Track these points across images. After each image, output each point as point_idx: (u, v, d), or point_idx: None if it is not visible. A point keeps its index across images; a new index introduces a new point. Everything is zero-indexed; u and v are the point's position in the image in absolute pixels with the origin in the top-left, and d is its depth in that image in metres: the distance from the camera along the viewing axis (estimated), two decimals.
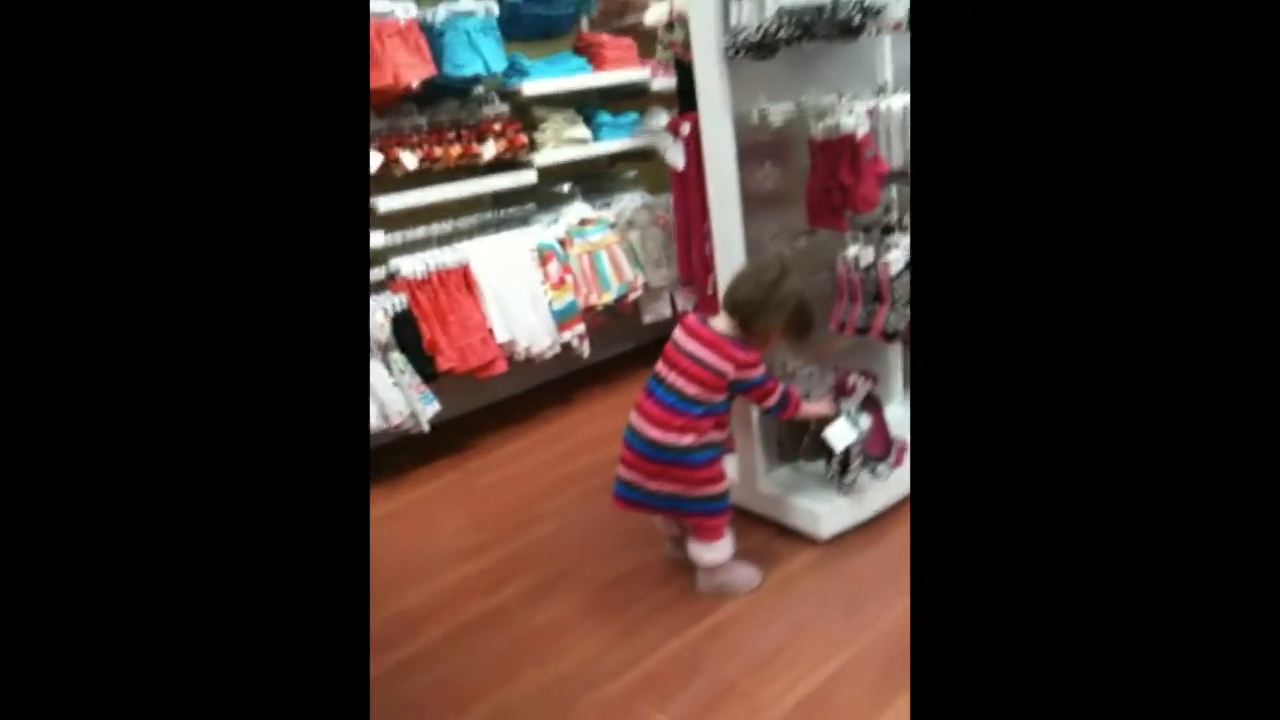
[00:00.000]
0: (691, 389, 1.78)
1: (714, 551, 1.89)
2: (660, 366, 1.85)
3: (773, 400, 1.84)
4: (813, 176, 1.88)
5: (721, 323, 1.81)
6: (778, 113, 1.84)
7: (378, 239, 2.71)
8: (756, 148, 1.94)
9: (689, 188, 2.05)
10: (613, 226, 3.10)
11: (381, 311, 2.67)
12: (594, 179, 3.28)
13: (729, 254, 1.93)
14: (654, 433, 1.80)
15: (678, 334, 1.85)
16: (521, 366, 3.02)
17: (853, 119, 1.74)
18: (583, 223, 3.05)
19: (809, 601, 1.86)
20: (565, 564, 2.17)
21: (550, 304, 2.94)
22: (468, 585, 2.15)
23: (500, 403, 3.28)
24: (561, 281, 2.95)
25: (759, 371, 1.80)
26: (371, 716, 0.92)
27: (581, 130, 3.07)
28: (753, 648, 1.74)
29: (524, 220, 3.05)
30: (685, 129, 2.00)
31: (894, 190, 2.18)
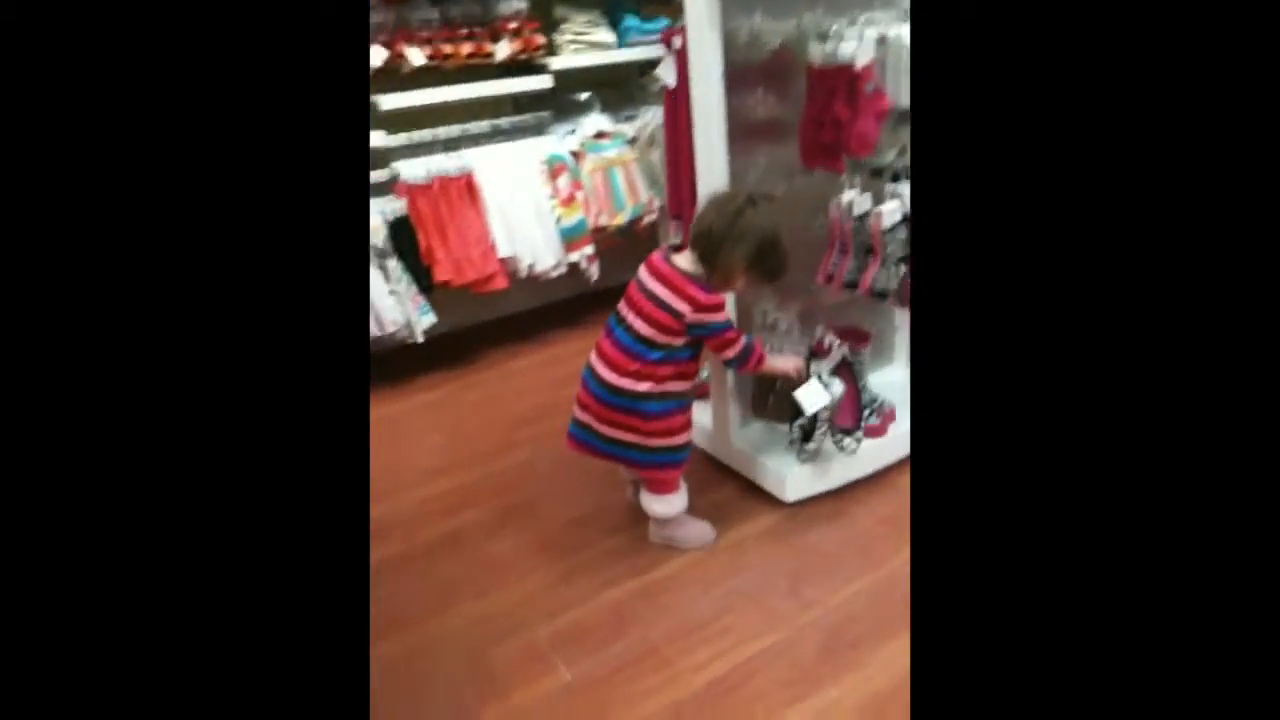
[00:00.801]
0: (646, 330, 1.64)
1: (664, 505, 1.80)
2: (621, 305, 1.72)
3: (732, 352, 1.69)
4: (807, 108, 1.67)
5: (685, 260, 1.65)
6: (773, 32, 1.62)
7: (379, 139, 2.60)
8: (752, 70, 1.73)
9: (681, 109, 1.86)
10: (632, 142, 2.90)
11: (379, 216, 2.59)
12: (618, 88, 3.07)
13: (711, 186, 1.75)
14: (608, 375, 1.69)
15: (642, 270, 1.71)
16: (530, 284, 2.92)
17: (851, 46, 1.52)
18: (599, 135, 2.87)
19: (757, 569, 1.76)
20: (529, 495, 2.12)
21: (558, 221, 2.80)
22: (431, 505, 2.13)
23: (506, 319, 3.20)
24: (571, 198, 2.80)
25: (720, 317, 1.65)
26: None
27: (605, 34, 2.84)
28: (687, 611, 1.66)
29: (538, 129, 2.88)
30: (678, 42, 1.80)
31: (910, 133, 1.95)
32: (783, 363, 1.78)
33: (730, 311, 1.80)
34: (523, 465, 2.27)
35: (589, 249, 2.87)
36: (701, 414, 2.06)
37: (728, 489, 2.02)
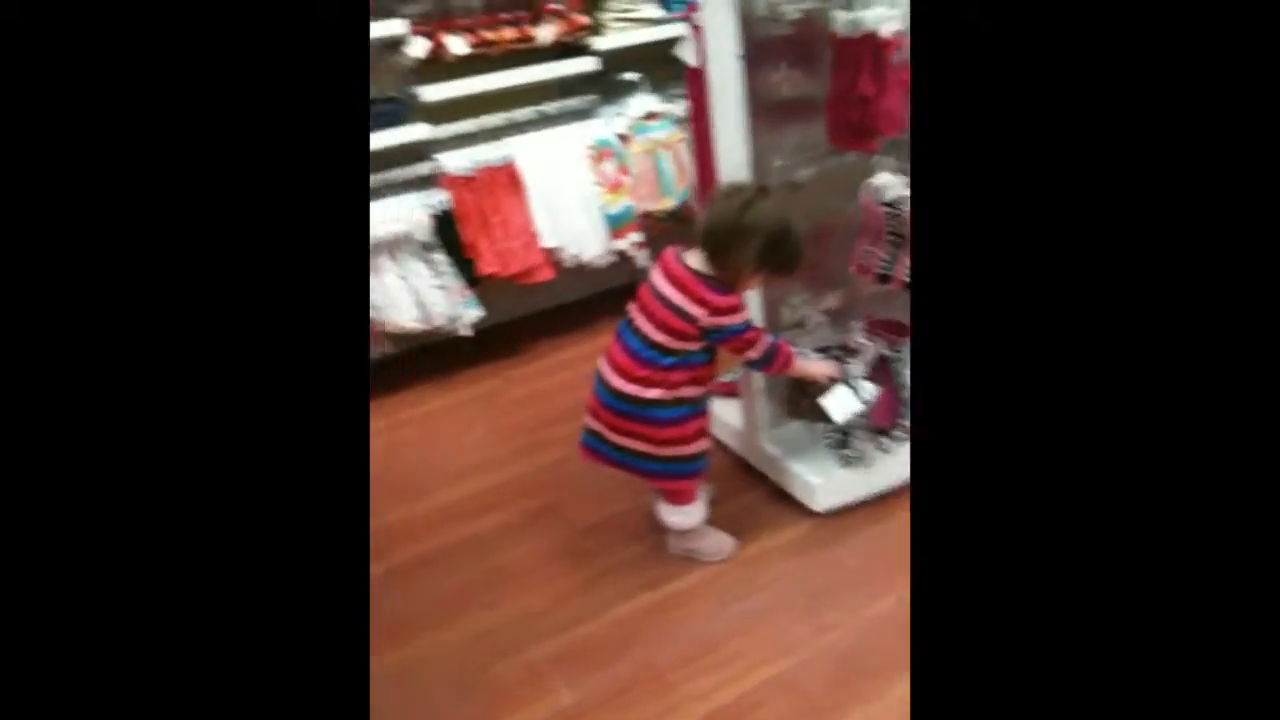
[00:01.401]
0: (658, 335, 1.53)
1: (681, 516, 1.69)
2: (632, 307, 1.61)
3: (754, 354, 1.56)
4: (834, 83, 1.51)
5: (696, 258, 1.53)
6: (794, 1, 1.47)
7: (423, 131, 2.55)
8: (776, 44, 1.58)
9: (704, 90, 1.72)
10: (681, 122, 2.76)
11: (423, 209, 2.55)
12: (668, 65, 2.91)
13: (732, 171, 1.62)
14: (616, 381, 1.59)
15: (654, 271, 1.59)
16: (578, 272, 2.84)
17: (877, 12, 1.35)
18: (649, 116, 2.74)
19: (776, 586, 1.63)
20: (556, 497, 2.05)
21: (603, 208, 2.70)
22: (457, 508, 2.09)
23: (554, 309, 3.13)
24: (618, 184, 2.70)
25: (738, 319, 1.52)
26: None
27: (652, 9, 2.71)
28: (698, 631, 1.56)
29: (586, 113, 2.78)
30: (698, 17, 1.66)
31: None
32: (814, 367, 1.63)
33: (755, 308, 1.67)
34: (555, 464, 2.20)
35: (637, 235, 2.76)
36: (731, 414, 1.93)
37: (755, 494, 1.89)
